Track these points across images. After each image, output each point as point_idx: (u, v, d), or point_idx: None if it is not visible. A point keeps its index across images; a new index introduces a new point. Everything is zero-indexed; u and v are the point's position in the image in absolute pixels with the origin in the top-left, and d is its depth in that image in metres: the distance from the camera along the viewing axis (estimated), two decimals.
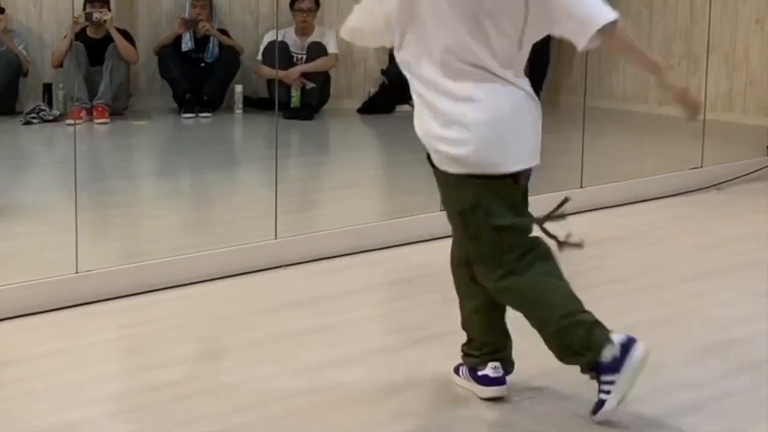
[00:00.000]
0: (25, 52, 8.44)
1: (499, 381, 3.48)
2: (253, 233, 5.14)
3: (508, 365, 3.53)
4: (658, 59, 3.50)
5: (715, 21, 8.50)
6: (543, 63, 8.80)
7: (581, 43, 3.25)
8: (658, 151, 7.97)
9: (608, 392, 3.27)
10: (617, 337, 3.28)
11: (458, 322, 3.60)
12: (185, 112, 8.69)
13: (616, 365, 3.25)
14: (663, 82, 3.45)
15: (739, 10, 8.82)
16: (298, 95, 8.78)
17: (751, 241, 5.49)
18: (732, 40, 8.84)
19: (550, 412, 3.44)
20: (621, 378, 3.25)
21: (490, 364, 3.48)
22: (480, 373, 3.49)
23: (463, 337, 3.58)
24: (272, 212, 5.15)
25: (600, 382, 3.29)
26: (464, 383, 3.56)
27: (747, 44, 8.81)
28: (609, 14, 3.23)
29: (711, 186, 6.68)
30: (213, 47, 9.02)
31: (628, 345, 3.26)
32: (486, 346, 3.51)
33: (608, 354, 3.26)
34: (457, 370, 3.60)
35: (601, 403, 3.29)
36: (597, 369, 3.28)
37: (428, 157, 3.38)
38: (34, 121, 8.09)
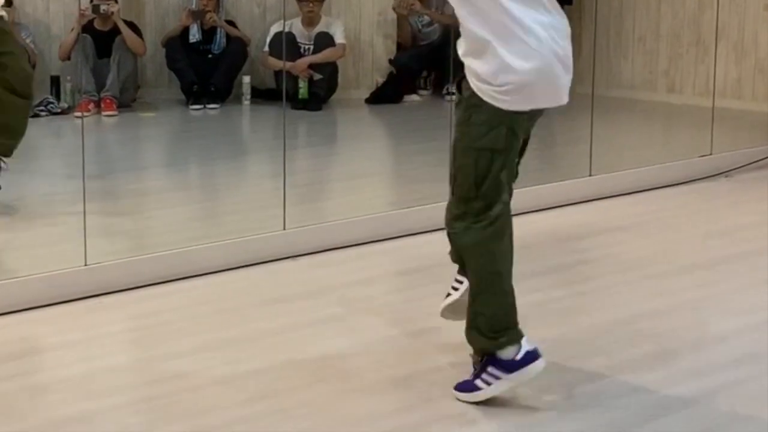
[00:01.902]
0: (32, 45, 8.44)
1: (538, 352, 3.39)
2: (262, 224, 5.14)
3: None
4: None
5: (724, 8, 8.48)
6: None
7: None
8: (667, 139, 7.96)
9: (488, 384, 3.36)
10: (525, 343, 3.35)
11: None
12: (193, 104, 8.69)
13: (510, 366, 3.33)
14: None
15: None
16: (305, 86, 8.77)
17: (760, 228, 5.47)
18: (741, 27, 8.81)
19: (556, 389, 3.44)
20: (507, 380, 3.34)
21: (522, 340, 3.38)
22: (518, 356, 3.36)
23: None
24: (281, 203, 5.15)
25: (484, 371, 3.36)
26: (495, 388, 3.40)
27: (756, 31, 8.77)
28: None
29: (720, 173, 6.66)
30: (220, 38, 9.01)
31: (532, 355, 3.34)
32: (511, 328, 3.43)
33: (510, 353, 3.33)
34: (472, 383, 3.44)
35: (472, 387, 3.38)
36: (491, 359, 3.35)
37: None
38: (42, 113, 8.09)
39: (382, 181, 6.72)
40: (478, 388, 3.38)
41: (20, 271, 4.38)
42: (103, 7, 8.47)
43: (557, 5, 3.41)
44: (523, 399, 3.44)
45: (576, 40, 3.44)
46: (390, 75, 9.22)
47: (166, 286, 4.57)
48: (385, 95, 9.11)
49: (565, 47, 3.36)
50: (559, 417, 3.34)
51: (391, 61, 9.22)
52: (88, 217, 4.66)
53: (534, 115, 3.39)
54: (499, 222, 3.36)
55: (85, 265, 4.49)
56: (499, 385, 3.36)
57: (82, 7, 8.42)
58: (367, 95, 9.20)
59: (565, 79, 3.38)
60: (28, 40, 8.41)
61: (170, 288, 4.56)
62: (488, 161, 3.33)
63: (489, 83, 3.30)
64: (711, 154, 6.80)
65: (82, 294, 4.39)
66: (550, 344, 3.49)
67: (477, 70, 3.32)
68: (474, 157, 3.34)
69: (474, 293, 3.41)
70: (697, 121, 7.38)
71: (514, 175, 3.46)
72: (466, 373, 3.49)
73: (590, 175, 6.15)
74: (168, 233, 5.26)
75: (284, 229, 5.08)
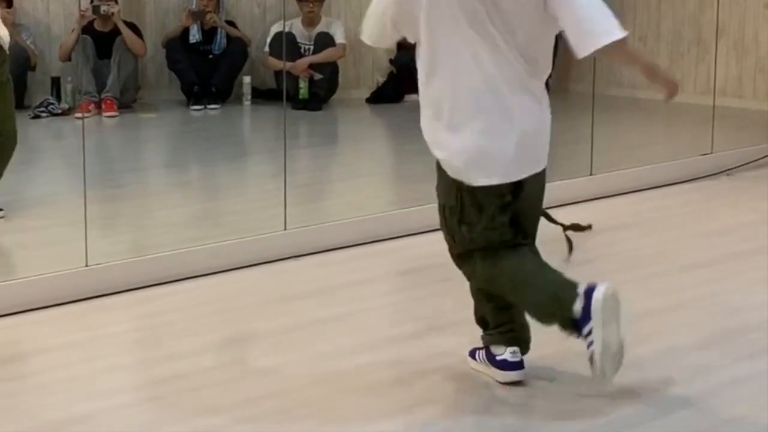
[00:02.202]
0: (33, 46, 8.44)
1: (517, 365, 3.48)
2: (262, 225, 5.14)
3: (525, 349, 3.54)
4: (656, 62, 3.53)
5: (724, 6, 8.48)
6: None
7: (581, 54, 3.26)
8: (668, 137, 7.96)
9: (591, 343, 3.29)
10: (581, 288, 3.31)
11: (470, 312, 3.60)
12: (194, 104, 8.69)
13: (586, 314, 3.28)
14: (655, 77, 3.42)
15: None
16: (306, 86, 8.77)
17: (761, 226, 5.47)
18: (741, 26, 8.81)
19: (566, 393, 3.44)
20: (593, 323, 3.27)
21: (509, 349, 3.48)
22: (499, 357, 3.49)
23: (473, 327, 3.58)
24: (282, 203, 5.15)
25: (582, 338, 3.32)
26: (481, 367, 3.57)
27: (756, 29, 8.77)
28: (617, 31, 3.23)
29: (721, 172, 6.66)
30: (220, 39, 9.02)
31: (590, 291, 3.29)
32: (502, 327, 3.51)
33: (578, 307, 3.28)
34: (473, 354, 3.61)
35: (591, 357, 3.31)
36: (574, 325, 3.31)
37: None
38: (43, 114, 8.09)
39: (382, 181, 6.71)
40: (591, 355, 3.34)
41: (21, 272, 4.37)
42: (103, 8, 8.48)
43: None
44: (523, 399, 3.44)
45: None
46: (390, 75, 9.22)
47: (167, 287, 4.57)
48: (386, 95, 9.11)
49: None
50: (559, 417, 3.34)
51: (391, 61, 9.22)
52: (89, 217, 4.66)
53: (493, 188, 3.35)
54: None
55: (86, 265, 4.49)
56: (597, 334, 3.29)
57: (83, 8, 8.43)
58: (367, 95, 9.21)
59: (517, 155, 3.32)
60: (28, 41, 8.41)
61: (171, 288, 4.56)
62: (448, 216, 3.42)
63: None
64: (712, 153, 6.80)
65: (83, 295, 4.39)
66: (551, 343, 3.48)
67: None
68: (440, 212, 3.46)
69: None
70: (697, 120, 7.37)
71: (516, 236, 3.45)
72: (467, 372, 3.50)
73: (591, 174, 6.15)
74: (169, 234, 5.26)
75: (285, 229, 5.08)
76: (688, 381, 3.56)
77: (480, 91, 3.28)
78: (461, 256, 3.48)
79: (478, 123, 3.29)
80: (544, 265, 3.43)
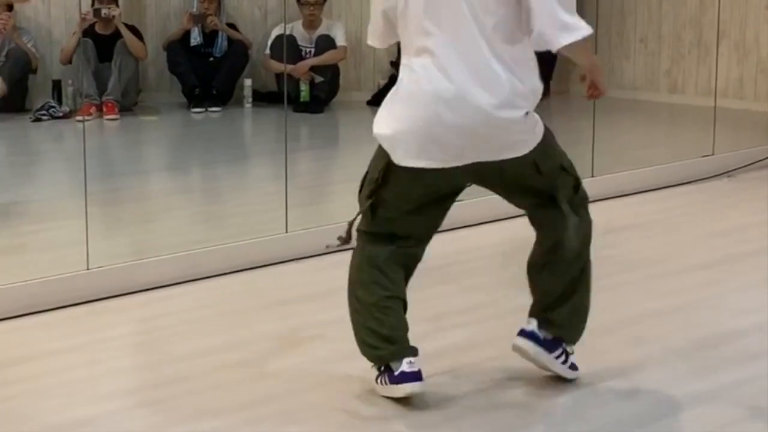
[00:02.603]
0: (33, 49, 8.45)
1: (417, 376, 3.39)
2: (263, 227, 5.13)
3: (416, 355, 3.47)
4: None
5: (725, 8, 8.48)
6: (552, 53, 8.77)
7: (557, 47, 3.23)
8: (669, 139, 7.96)
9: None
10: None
11: (470, 314, 3.59)
12: (195, 107, 8.69)
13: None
14: (595, 76, 3.41)
15: None
16: (307, 89, 8.77)
17: (762, 228, 5.47)
18: (742, 27, 8.81)
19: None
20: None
21: (406, 360, 3.39)
22: (396, 372, 3.38)
23: (476, 327, 3.57)
24: (283, 206, 5.14)
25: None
26: (384, 389, 3.45)
27: (757, 31, 8.77)
28: (584, 28, 3.21)
29: (722, 174, 6.66)
30: (221, 42, 9.02)
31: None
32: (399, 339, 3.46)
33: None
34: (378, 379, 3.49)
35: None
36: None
37: None
38: (44, 117, 8.10)
39: None
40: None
41: (22, 276, 4.37)
42: (104, 11, 8.48)
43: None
44: (528, 399, 3.44)
45: None
46: (391, 77, 9.21)
47: (169, 290, 4.57)
48: None
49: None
50: (564, 417, 3.34)
51: (392, 63, 9.21)
52: (90, 220, 4.66)
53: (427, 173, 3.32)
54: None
55: (88, 269, 4.48)
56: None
57: (84, 11, 8.43)
58: (368, 97, 9.20)
59: (455, 139, 3.25)
60: (29, 44, 8.42)
61: (173, 291, 4.56)
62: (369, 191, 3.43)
63: None
64: (713, 155, 6.80)
65: (84, 298, 4.39)
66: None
67: None
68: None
69: None
70: (699, 122, 7.37)
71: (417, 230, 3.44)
72: (474, 372, 3.49)
73: (592, 176, 6.15)
74: (170, 236, 5.26)
75: (286, 231, 5.07)
76: (690, 383, 3.56)
77: None
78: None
79: None
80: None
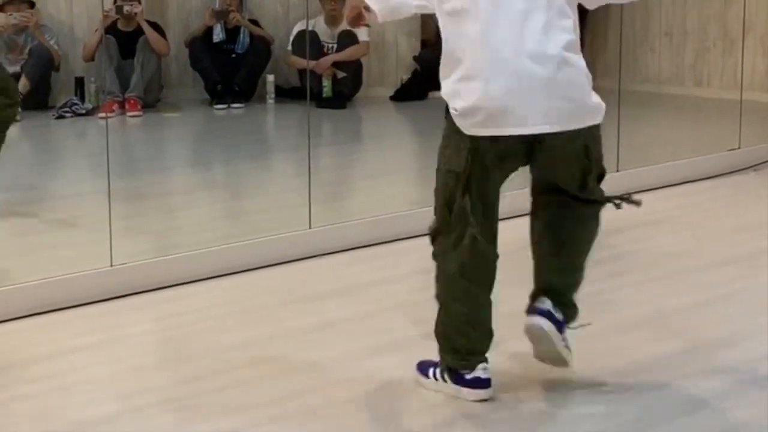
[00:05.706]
0: (56, 47, 8.47)
1: (489, 383, 3.39)
2: (287, 223, 5.12)
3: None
4: None
5: (751, 1, 8.41)
6: None
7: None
8: (695, 133, 7.90)
9: None
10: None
11: (497, 308, 3.56)
12: (217, 103, 8.69)
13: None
14: None
15: None
16: (329, 85, 8.76)
17: None
18: None
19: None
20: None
21: (481, 366, 3.39)
22: (468, 376, 3.38)
23: (501, 324, 3.54)
24: (306, 202, 5.13)
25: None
26: (439, 386, 3.44)
27: None
28: None
29: (749, 167, 6.61)
30: (244, 38, 9.01)
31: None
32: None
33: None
34: (425, 372, 3.50)
35: None
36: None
37: None
38: (67, 115, 8.11)
39: (407, 179, 6.69)
40: None
41: (46, 273, 4.37)
42: (126, 8, 8.49)
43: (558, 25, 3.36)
44: (546, 395, 3.41)
45: (602, 35, 3.41)
46: (414, 72, 9.20)
47: (192, 287, 4.56)
48: (410, 92, 9.09)
49: (540, 69, 3.29)
50: (584, 413, 3.31)
51: (415, 58, 9.20)
52: (114, 217, 4.66)
53: (502, 141, 3.27)
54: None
55: (111, 265, 4.48)
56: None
57: (106, 9, 8.44)
58: (391, 92, 9.19)
59: (539, 104, 3.25)
60: (51, 42, 8.44)
61: (196, 288, 4.55)
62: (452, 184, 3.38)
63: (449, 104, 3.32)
64: (739, 148, 6.75)
65: (108, 295, 4.39)
66: (578, 339, 3.45)
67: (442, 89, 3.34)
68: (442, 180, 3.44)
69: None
70: (724, 115, 7.32)
71: (489, 210, 3.40)
72: (497, 369, 3.47)
73: (617, 171, 6.11)
74: (193, 233, 5.26)
75: (310, 227, 5.06)
76: (715, 379, 3.52)
77: None
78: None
79: None
80: None
